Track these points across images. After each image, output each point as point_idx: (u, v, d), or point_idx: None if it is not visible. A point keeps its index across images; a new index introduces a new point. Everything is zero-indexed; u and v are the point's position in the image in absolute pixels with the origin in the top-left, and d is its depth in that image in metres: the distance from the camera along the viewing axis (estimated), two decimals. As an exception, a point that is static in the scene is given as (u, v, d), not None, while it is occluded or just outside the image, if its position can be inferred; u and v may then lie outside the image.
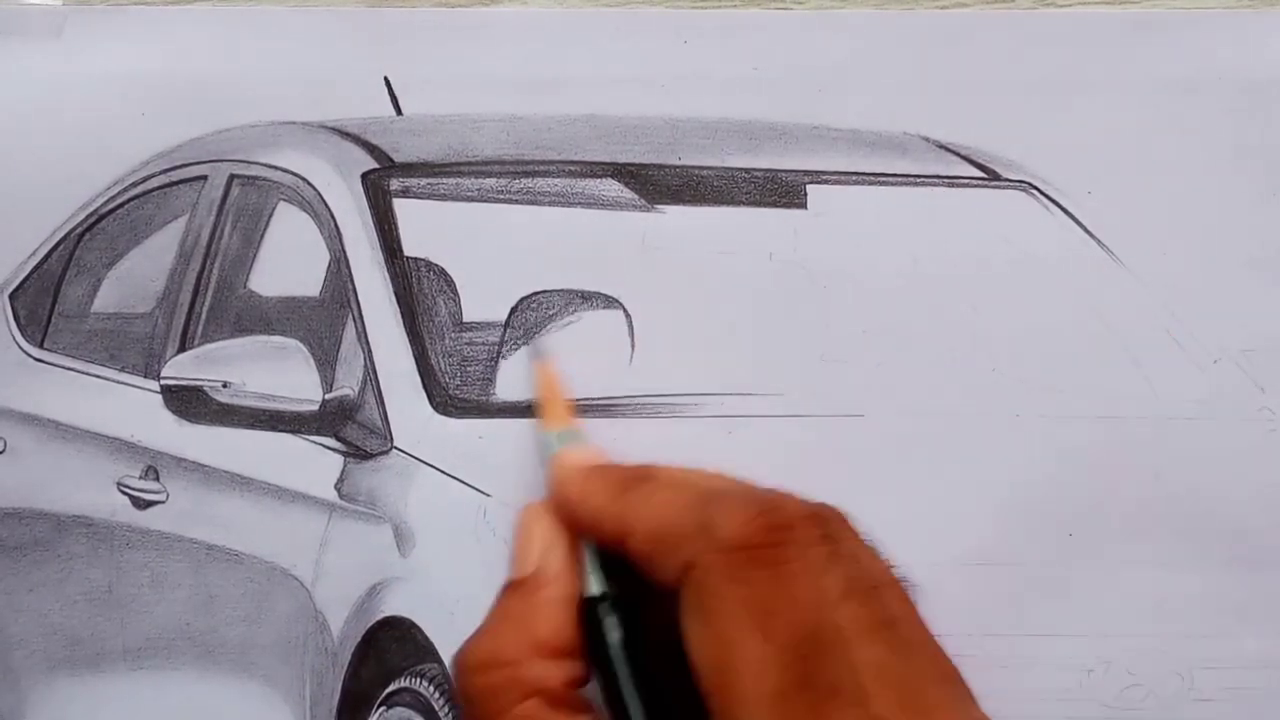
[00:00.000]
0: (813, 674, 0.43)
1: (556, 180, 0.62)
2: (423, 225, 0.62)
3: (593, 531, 0.51)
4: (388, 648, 0.59)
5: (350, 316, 0.61)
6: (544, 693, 0.48)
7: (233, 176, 0.63)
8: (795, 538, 0.45)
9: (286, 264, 0.62)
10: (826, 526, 0.46)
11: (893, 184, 0.62)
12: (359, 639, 0.60)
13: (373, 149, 0.63)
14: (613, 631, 0.49)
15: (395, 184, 0.62)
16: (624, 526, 0.49)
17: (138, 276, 0.63)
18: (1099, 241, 0.61)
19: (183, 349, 0.62)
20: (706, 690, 0.44)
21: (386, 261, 0.62)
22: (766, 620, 0.44)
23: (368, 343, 0.61)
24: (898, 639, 0.43)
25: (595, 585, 0.50)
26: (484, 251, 0.61)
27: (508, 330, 0.61)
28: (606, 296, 0.61)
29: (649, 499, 0.49)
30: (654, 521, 0.48)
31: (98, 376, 0.62)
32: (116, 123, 0.62)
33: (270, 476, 0.61)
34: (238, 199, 0.63)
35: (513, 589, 0.51)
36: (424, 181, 0.62)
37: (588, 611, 0.49)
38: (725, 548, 0.45)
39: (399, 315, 0.61)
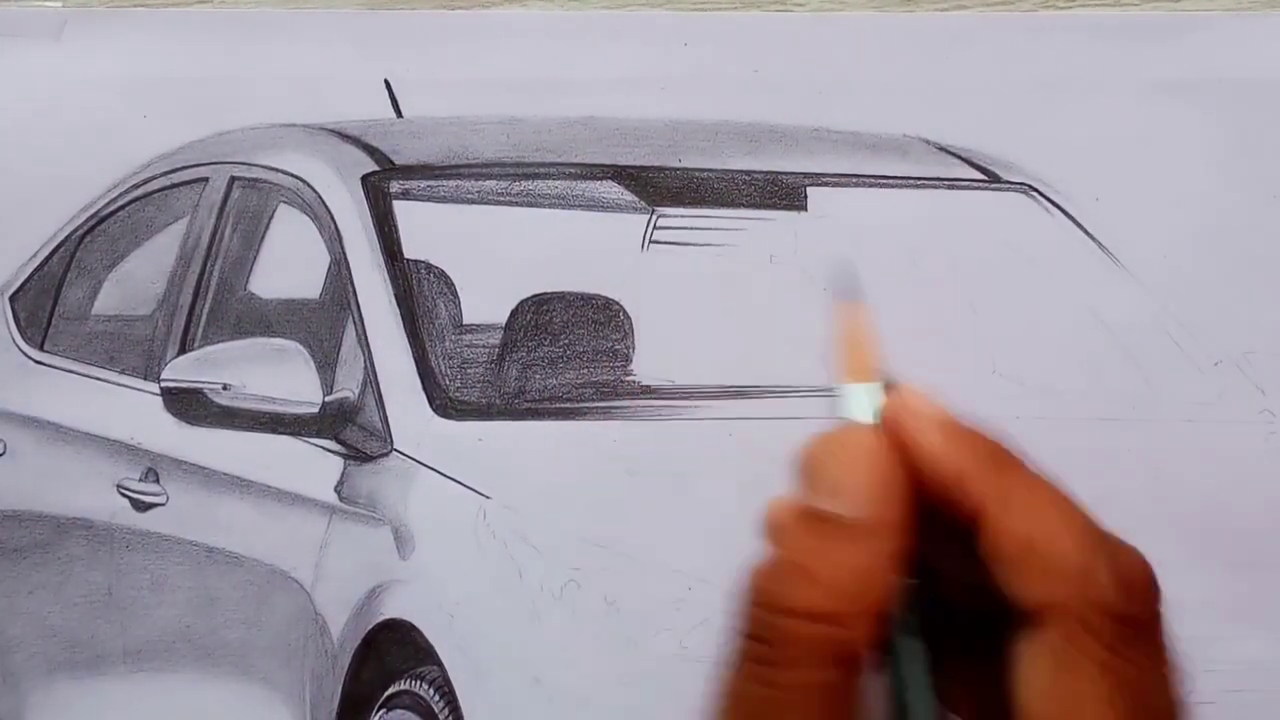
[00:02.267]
0: None
1: (556, 182, 0.62)
2: (423, 227, 0.62)
3: (938, 487, 0.46)
4: (388, 650, 0.59)
5: (350, 319, 0.61)
6: (853, 662, 0.44)
7: (233, 179, 0.63)
8: (1162, 622, 0.44)
9: (287, 266, 0.62)
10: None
11: (893, 186, 0.62)
12: (359, 641, 0.60)
13: (373, 151, 0.63)
14: (918, 664, 0.45)
15: (395, 186, 0.62)
16: (991, 512, 0.44)
17: (138, 279, 0.63)
18: (1099, 243, 0.61)
19: (183, 351, 0.62)
20: None
21: (387, 264, 0.62)
22: (1133, 703, 0.43)
23: (368, 345, 0.61)
24: None
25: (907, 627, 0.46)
26: (484, 254, 0.61)
27: (508, 332, 0.61)
28: (607, 298, 0.61)
29: (1031, 496, 0.44)
30: (1035, 528, 0.44)
31: (98, 379, 0.62)
32: (117, 125, 0.62)
33: (270, 479, 0.61)
34: (238, 201, 0.63)
35: (833, 531, 0.43)
36: (424, 184, 0.62)
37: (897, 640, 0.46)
38: (1112, 612, 0.43)
39: (399, 317, 0.61)
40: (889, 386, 0.46)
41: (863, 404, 0.47)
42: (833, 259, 0.58)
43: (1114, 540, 0.45)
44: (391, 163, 0.62)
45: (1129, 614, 0.43)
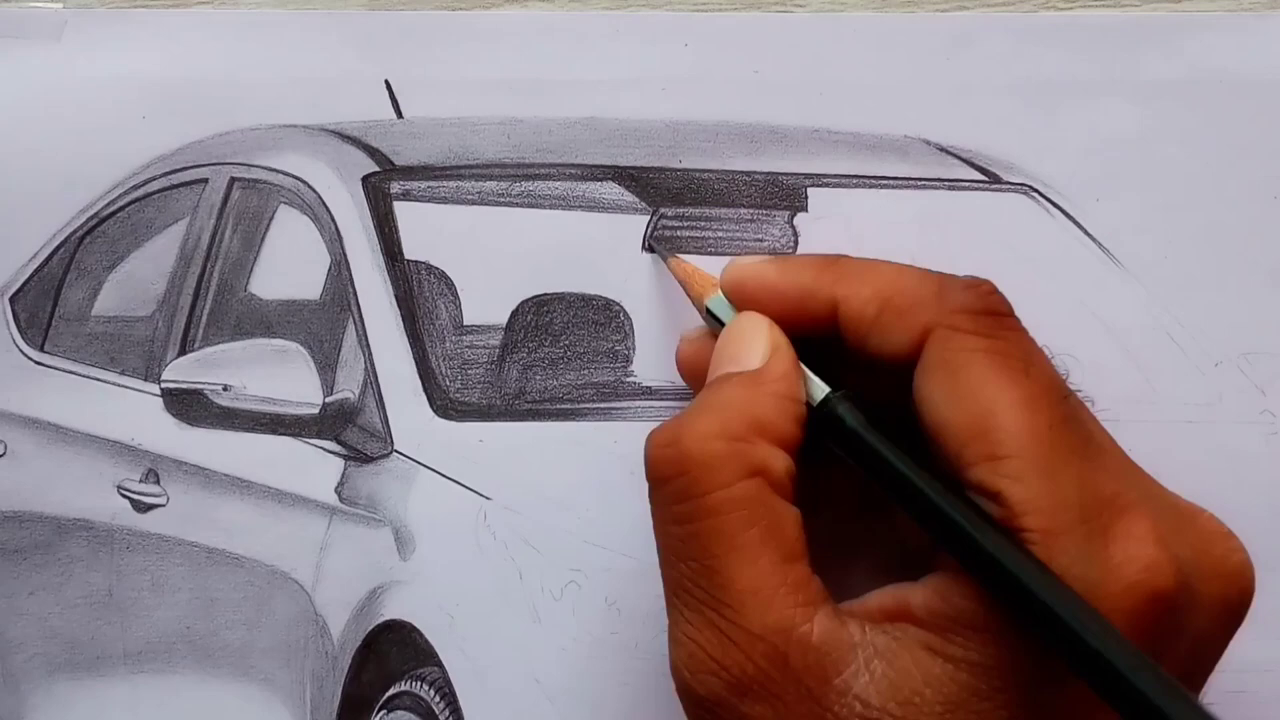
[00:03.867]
0: (1070, 416, 0.46)
1: (557, 183, 0.62)
2: (423, 228, 0.62)
3: (798, 308, 0.50)
4: (388, 651, 0.59)
5: (351, 320, 0.61)
6: (768, 474, 0.47)
7: (233, 179, 0.63)
8: (1013, 312, 0.48)
9: (287, 267, 0.62)
10: None
11: (893, 187, 0.62)
12: (359, 642, 0.60)
13: (373, 152, 0.63)
14: (857, 413, 0.48)
15: (396, 187, 0.62)
16: (841, 294, 0.49)
17: (138, 279, 0.63)
18: (1100, 244, 0.61)
19: (183, 352, 0.62)
20: (959, 445, 0.45)
21: (387, 264, 0.62)
22: (1023, 368, 0.46)
23: (368, 346, 0.61)
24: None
25: (820, 389, 0.50)
26: (485, 255, 0.61)
27: (508, 333, 0.61)
28: (607, 299, 0.61)
29: (870, 270, 0.50)
30: (883, 286, 0.49)
31: (98, 379, 0.62)
32: (117, 125, 0.62)
33: (270, 480, 0.61)
34: (238, 202, 0.63)
35: (733, 380, 0.49)
36: (424, 184, 0.62)
37: (826, 406, 0.49)
38: (970, 310, 0.47)
39: (399, 318, 0.61)
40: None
41: (720, 305, 0.53)
42: (648, 230, 0.61)
43: (949, 274, 0.49)
44: (392, 163, 0.62)
45: (988, 307, 0.47)
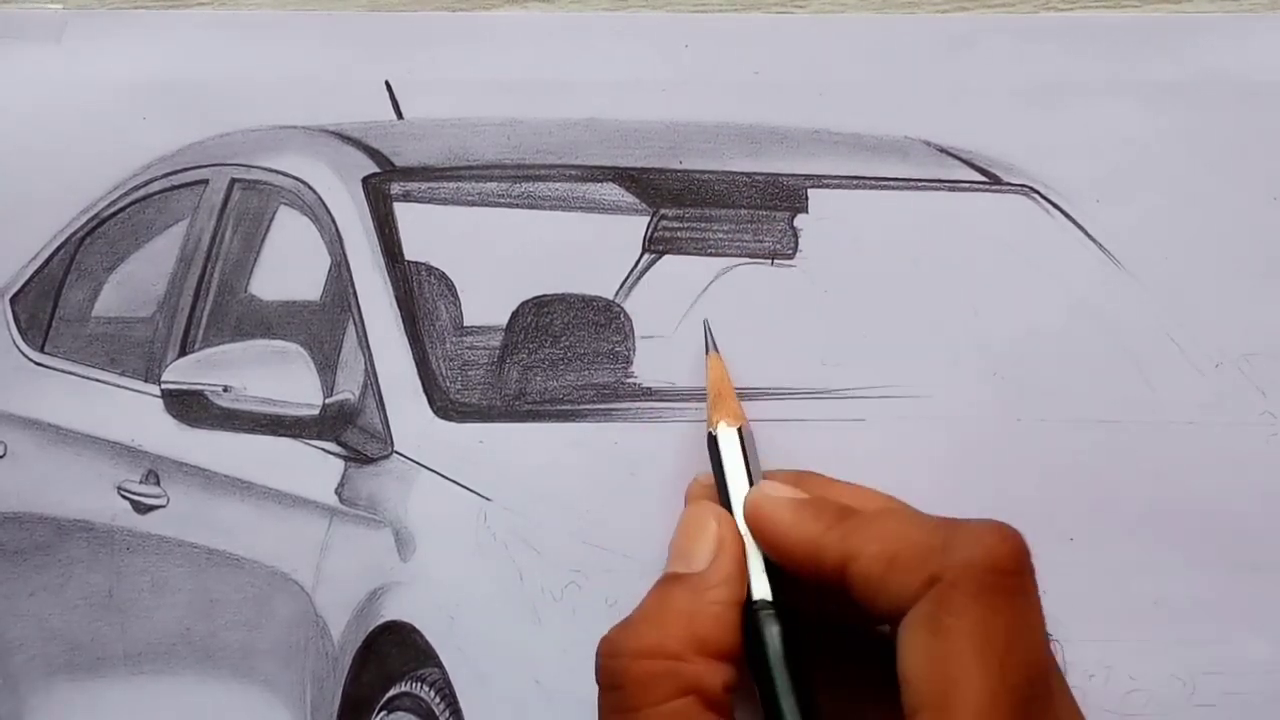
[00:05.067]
0: (1037, 716, 0.44)
1: (557, 184, 0.62)
2: (423, 229, 0.62)
3: (806, 560, 0.50)
4: (388, 652, 0.59)
5: (351, 321, 0.61)
6: (701, 692, 0.47)
7: (233, 180, 0.63)
8: (1030, 568, 0.46)
9: (287, 268, 0.62)
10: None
11: (894, 188, 0.62)
12: (359, 643, 0.60)
13: (373, 153, 0.63)
14: (775, 641, 0.49)
15: (396, 188, 0.62)
16: (850, 550, 0.48)
17: (138, 280, 0.63)
18: (1100, 245, 0.61)
19: (183, 353, 0.62)
20: (915, 705, 0.44)
21: (387, 265, 0.62)
22: (1006, 652, 0.44)
23: (368, 347, 0.61)
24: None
25: (760, 590, 0.50)
26: (485, 255, 0.61)
27: (508, 334, 0.61)
28: (608, 300, 0.61)
29: (880, 524, 0.49)
30: (891, 542, 0.47)
31: (98, 380, 0.62)
32: (117, 127, 0.62)
33: (271, 481, 0.61)
34: (238, 203, 0.63)
35: (678, 583, 0.50)
36: (425, 185, 0.62)
37: (751, 615, 0.49)
38: (974, 566, 0.45)
39: (399, 319, 0.61)
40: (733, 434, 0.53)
41: (729, 440, 0.54)
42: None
43: (967, 521, 0.48)
44: (392, 164, 0.62)
45: (992, 565, 0.46)
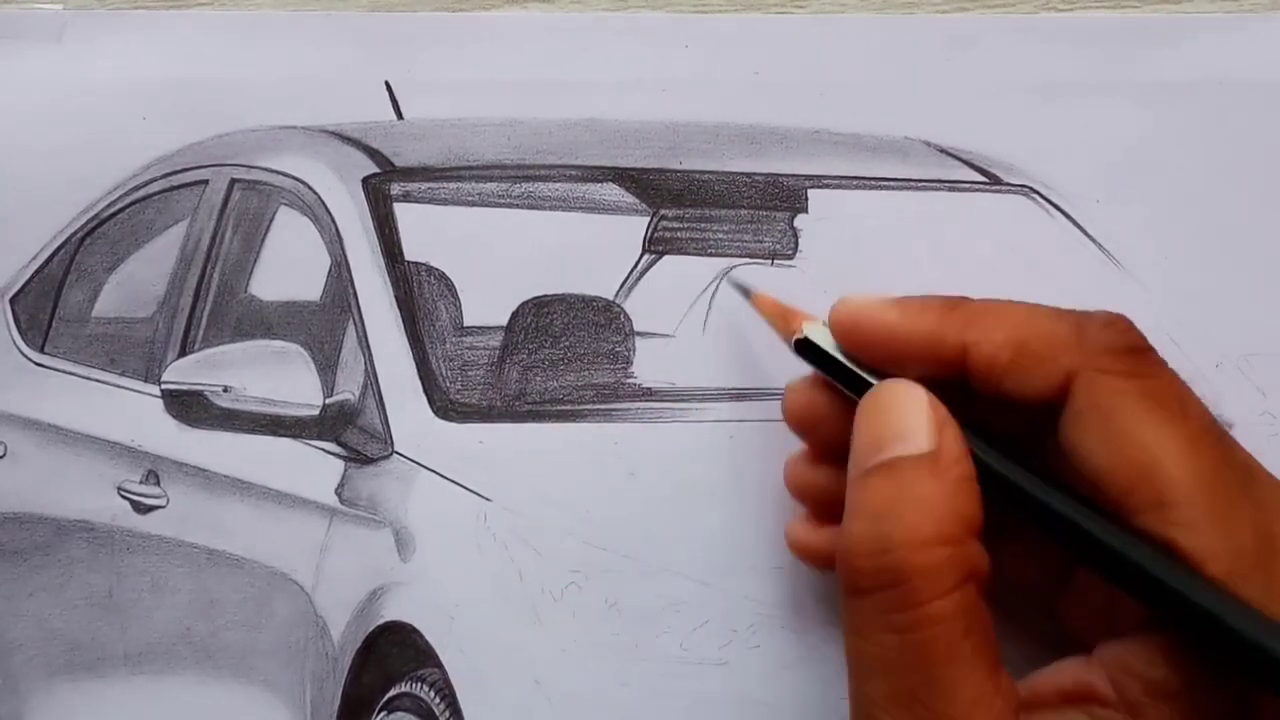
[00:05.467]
0: (1231, 454, 0.45)
1: (557, 185, 0.62)
2: (423, 229, 0.62)
3: (922, 353, 0.48)
4: (388, 653, 0.59)
5: (351, 321, 0.61)
6: (979, 577, 0.45)
7: (234, 181, 0.63)
8: (1153, 345, 0.47)
9: (287, 268, 0.62)
10: None
11: (894, 188, 0.62)
12: (359, 644, 0.60)
13: (373, 153, 0.63)
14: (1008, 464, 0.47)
15: (396, 188, 0.62)
16: (971, 339, 0.47)
17: (138, 281, 0.63)
18: (1100, 246, 0.61)
19: (183, 353, 0.62)
20: (1121, 492, 0.44)
21: (387, 266, 0.62)
22: (1180, 408, 0.45)
23: (368, 347, 0.61)
24: None
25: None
26: (485, 256, 0.61)
27: (508, 335, 0.61)
28: (608, 301, 0.61)
29: (999, 312, 0.48)
30: (1016, 330, 0.47)
31: (98, 381, 0.62)
32: (117, 127, 0.62)
33: (271, 481, 0.61)
34: (238, 203, 0.63)
35: (912, 466, 0.46)
36: (425, 186, 0.62)
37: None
38: (1118, 349, 0.46)
39: (399, 319, 0.61)
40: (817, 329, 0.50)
41: (821, 336, 0.51)
42: (725, 281, 0.59)
43: (1084, 312, 0.48)
44: (392, 165, 0.62)
45: (1131, 344, 0.46)
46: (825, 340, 0.51)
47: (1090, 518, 0.45)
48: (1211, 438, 0.45)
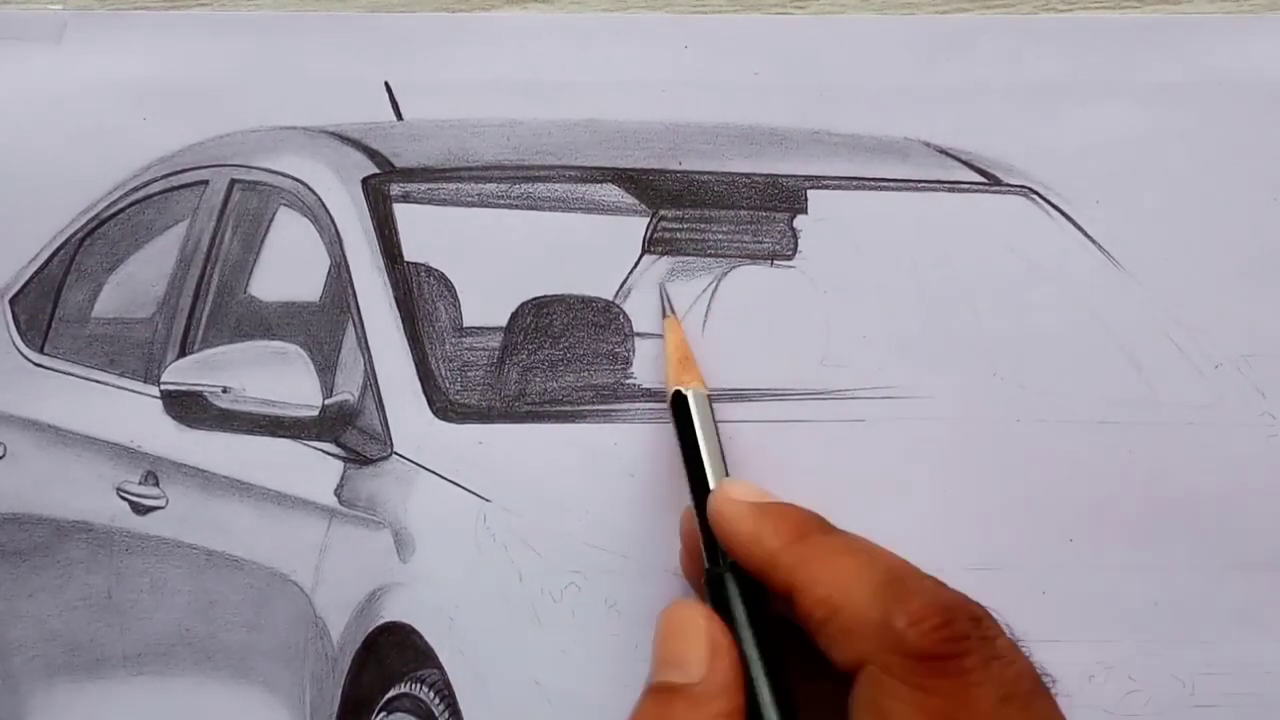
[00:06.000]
0: None
1: (557, 185, 0.62)
2: (423, 230, 0.62)
3: (759, 573, 0.49)
4: (388, 653, 0.59)
5: (350, 321, 0.61)
6: None
7: (233, 181, 0.63)
8: (970, 647, 0.46)
9: (287, 269, 0.62)
10: (985, 629, 0.46)
11: (893, 189, 0.62)
12: (359, 644, 0.59)
13: (373, 154, 0.63)
14: (751, 647, 0.49)
15: (396, 189, 0.62)
16: (798, 583, 0.48)
17: (138, 281, 0.63)
18: (1100, 246, 0.61)
19: (183, 354, 0.62)
20: None
21: (387, 266, 0.62)
22: None
23: (368, 348, 0.61)
24: None
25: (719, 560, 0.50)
26: (484, 256, 0.61)
27: (508, 335, 0.61)
28: (607, 301, 0.61)
29: (830, 561, 0.48)
30: (835, 591, 0.47)
31: (98, 381, 0.62)
32: (117, 127, 0.62)
33: (270, 482, 0.61)
34: (238, 204, 0.63)
35: (675, 695, 0.48)
36: (424, 186, 0.62)
37: (717, 587, 0.49)
38: (910, 654, 0.45)
39: (399, 320, 0.61)
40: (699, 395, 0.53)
41: (699, 404, 0.54)
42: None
43: (916, 582, 0.48)
44: (392, 165, 0.62)
45: (928, 651, 0.45)
46: (698, 409, 0.54)
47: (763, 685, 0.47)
48: None
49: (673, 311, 0.59)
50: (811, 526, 0.50)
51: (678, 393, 0.54)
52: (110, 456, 0.62)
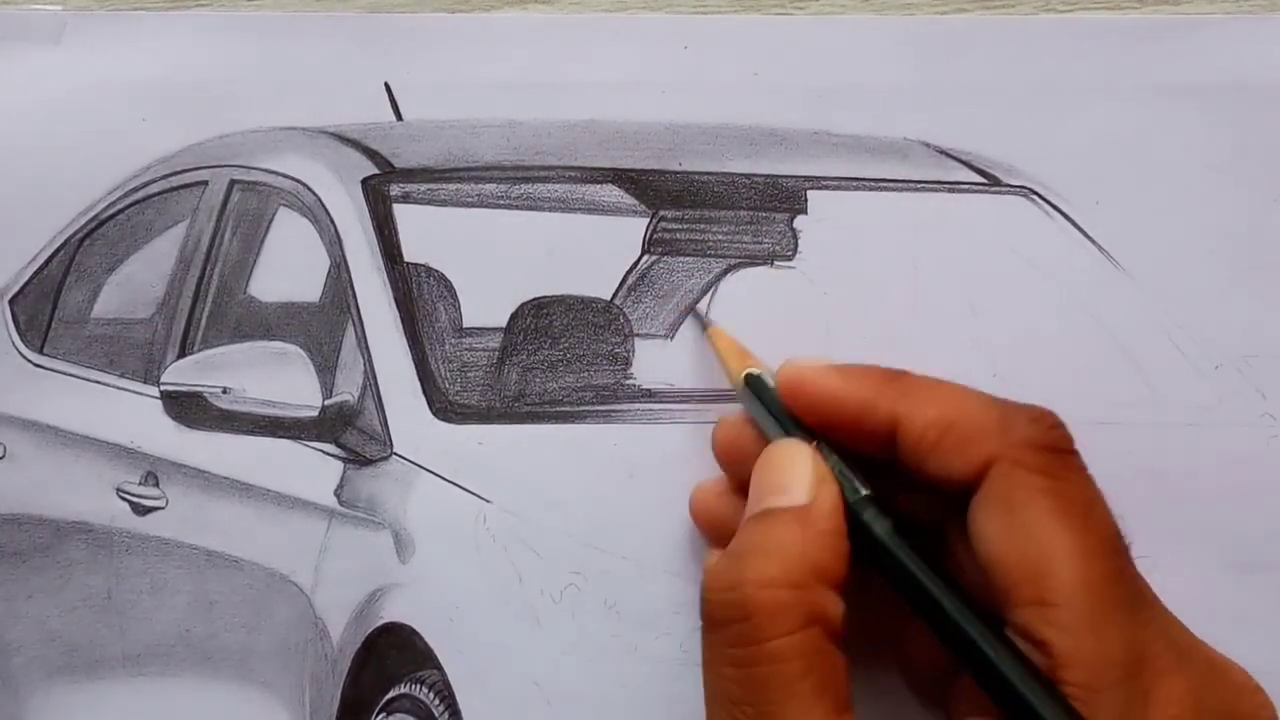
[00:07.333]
0: (1123, 570, 0.46)
1: (556, 186, 0.62)
2: (423, 230, 0.62)
3: (854, 420, 0.50)
4: (387, 654, 0.59)
5: (350, 322, 0.61)
6: (825, 622, 0.47)
7: (233, 182, 0.63)
8: (1074, 447, 0.48)
9: (286, 269, 0.62)
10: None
11: (893, 189, 0.62)
12: (359, 645, 0.59)
13: (373, 154, 0.63)
14: (889, 531, 0.49)
15: (395, 189, 0.62)
16: (903, 413, 0.49)
17: (138, 282, 0.63)
18: (1100, 247, 0.61)
19: (182, 354, 0.62)
20: (1010, 583, 0.45)
21: (386, 267, 0.62)
22: (1085, 515, 0.46)
23: (367, 348, 0.61)
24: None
25: (858, 488, 0.49)
26: (484, 257, 0.61)
27: (508, 336, 0.61)
28: (607, 302, 0.61)
29: (933, 390, 0.50)
30: (947, 410, 0.48)
31: (97, 382, 0.62)
32: (117, 128, 0.62)
33: (270, 483, 0.61)
34: (238, 204, 0.63)
35: (782, 516, 0.49)
36: (424, 187, 0.62)
37: (856, 513, 0.49)
38: (1035, 445, 0.47)
39: (399, 321, 0.61)
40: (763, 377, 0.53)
41: (763, 390, 0.53)
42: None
43: (1014, 403, 0.49)
44: (391, 166, 0.62)
45: (1052, 443, 0.47)
46: (768, 387, 0.53)
47: (958, 608, 0.46)
48: (1108, 550, 0.46)
49: (713, 323, 0.59)
50: (896, 371, 0.51)
51: (749, 375, 0.54)
52: (110, 457, 0.62)
